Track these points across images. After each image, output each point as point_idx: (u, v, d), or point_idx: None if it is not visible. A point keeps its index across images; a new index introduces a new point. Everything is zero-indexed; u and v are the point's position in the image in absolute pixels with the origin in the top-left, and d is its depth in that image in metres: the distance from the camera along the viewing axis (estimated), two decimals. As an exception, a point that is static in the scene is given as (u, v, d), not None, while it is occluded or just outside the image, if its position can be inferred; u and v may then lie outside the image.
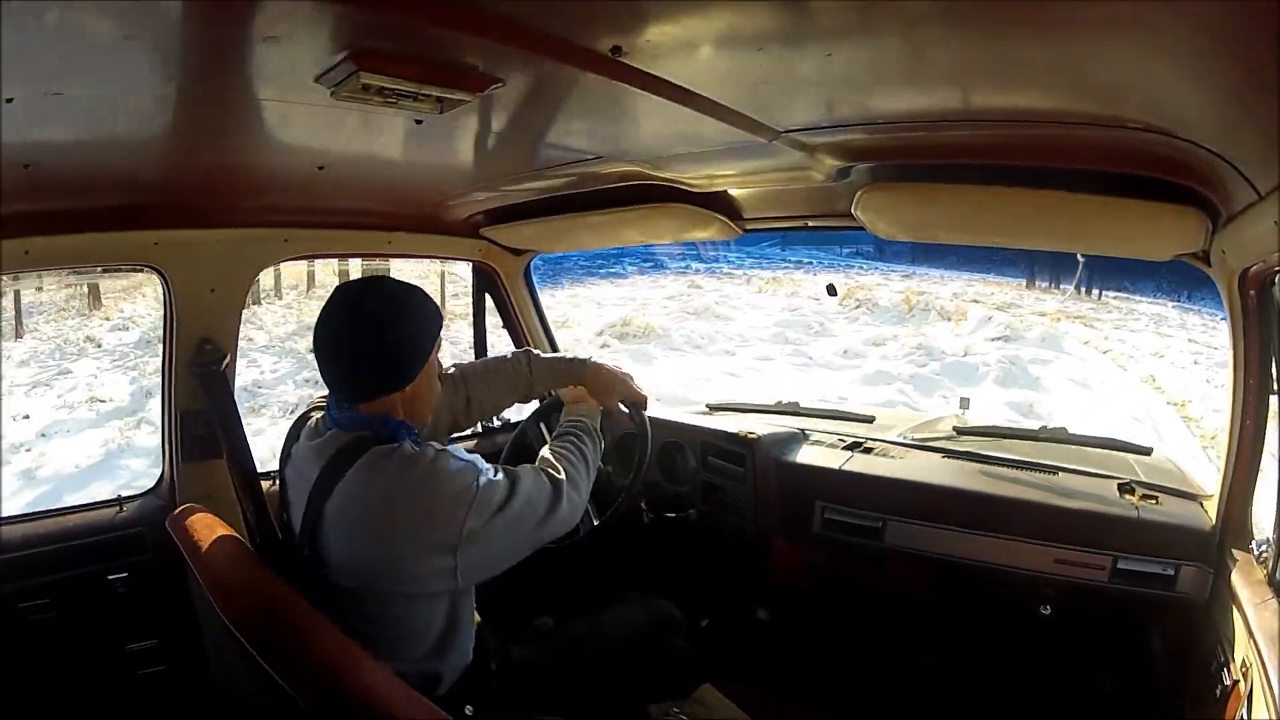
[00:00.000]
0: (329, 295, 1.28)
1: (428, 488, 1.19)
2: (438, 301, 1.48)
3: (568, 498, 1.35)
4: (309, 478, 1.24)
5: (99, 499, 1.83)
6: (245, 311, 1.90)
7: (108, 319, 11.32)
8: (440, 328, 1.33)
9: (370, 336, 1.23)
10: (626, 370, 1.71)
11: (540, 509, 1.30)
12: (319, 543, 1.22)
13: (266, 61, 0.97)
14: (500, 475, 1.28)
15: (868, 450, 2.15)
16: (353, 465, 1.20)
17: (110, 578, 1.73)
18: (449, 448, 1.26)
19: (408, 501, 1.18)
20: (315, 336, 1.25)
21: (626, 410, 1.68)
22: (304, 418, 1.37)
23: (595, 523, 1.75)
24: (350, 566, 1.20)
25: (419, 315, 1.28)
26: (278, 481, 1.40)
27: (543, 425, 1.94)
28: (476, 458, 1.28)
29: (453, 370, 1.64)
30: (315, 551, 1.23)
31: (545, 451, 1.45)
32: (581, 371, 1.68)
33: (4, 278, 1.62)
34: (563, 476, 1.37)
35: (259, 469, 1.80)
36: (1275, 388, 1.45)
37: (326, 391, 1.33)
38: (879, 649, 2.02)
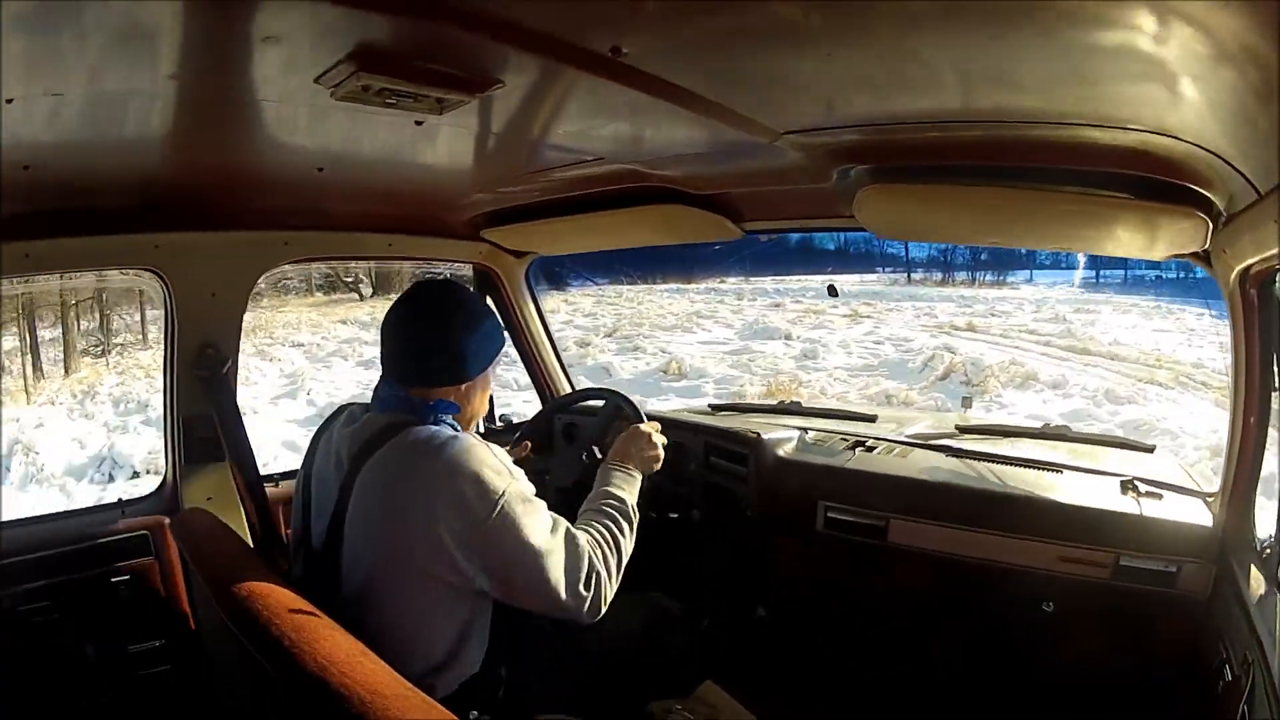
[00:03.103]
0: (408, 288, 1.35)
1: (462, 476, 1.17)
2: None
3: (593, 595, 1.27)
4: (343, 462, 1.26)
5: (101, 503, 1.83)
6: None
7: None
8: (503, 346, 1.40)
9: (443, 328, 1.30)
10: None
11: (565, 581, 1.23)
12: (341, 530, 1.22)
13: (266, 63, 0.97)
14: (543, 506, 1.25)
15: (870, 449, 2.15)
16: (388, 442, 1.22)
17: (113, 580, 1.74)
18: (484, 443, 1.25)
19: (440, 486, 1.17)
20: (389, 317, 1.32)
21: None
22: (338, 412, 1.40)
23: None
24: (370, 554, 1.20)
25: (489, 326, 1.35)
26: (298, 477, 1.40)
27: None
28: (516, 466, 1.26)
29: None
30: (333, 544, 1.23)
31: (581, 525, 1.36)
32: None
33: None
34: (598, 565, 1.29)
35: (260, 472, 1.80)
36: (1276, 386, 1.45)
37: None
38: (882, 647, 2.02)
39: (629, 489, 1.45)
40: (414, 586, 1.19)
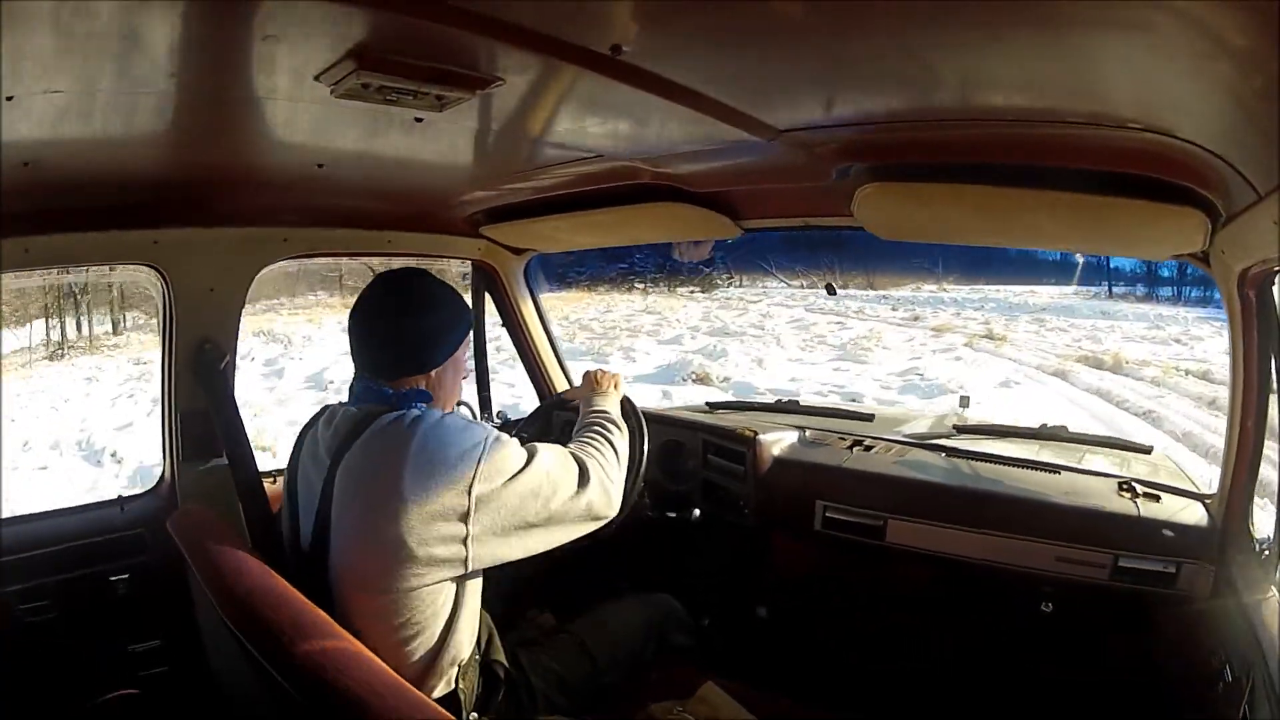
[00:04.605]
0: (370, 280, 1.35)
1: (434, 445, 1.17)
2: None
3: (599, 482, 1.33)
4: (323, 459, 1.26)
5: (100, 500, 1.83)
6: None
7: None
8: (470, 329, 1.40)
9: (405, 316, 1.31)
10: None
11: (564, 486, 1.28)
12: (327, 527, 1.22)
13: (266, 60, 0.96)
14: (515, 443, 1.26)
15: (868, 448, 2.15)
16: (362, 434, 1.22)
17: (111, 579, 1.74)
18: (454, 413, 1.28)
19: (413, 460, 1.16)
20: (353, 312, 1.33)
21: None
22: (320, 413, 1.39)
23: (612, 527, 1.75)
24: (356, 545, 1.19)
25: (453, 309, 1.36)
26: (284, 479, 1.40)
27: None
28: (487, 425, 1.28)
29: None
30: (320, 542, 1.23)
31: (571, 445, 1.42)
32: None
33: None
34: (590, 458, 1.36)
35: (259, 469, 1.80)
36: (1275, 387, 1.45)
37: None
38: (880, 647, 2.02)
39: (606, 402, 1.60)
40: (402, 572, 1.17)
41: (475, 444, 1.20)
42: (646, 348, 15.32)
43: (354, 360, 1.33)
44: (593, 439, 1.45)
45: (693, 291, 28.76)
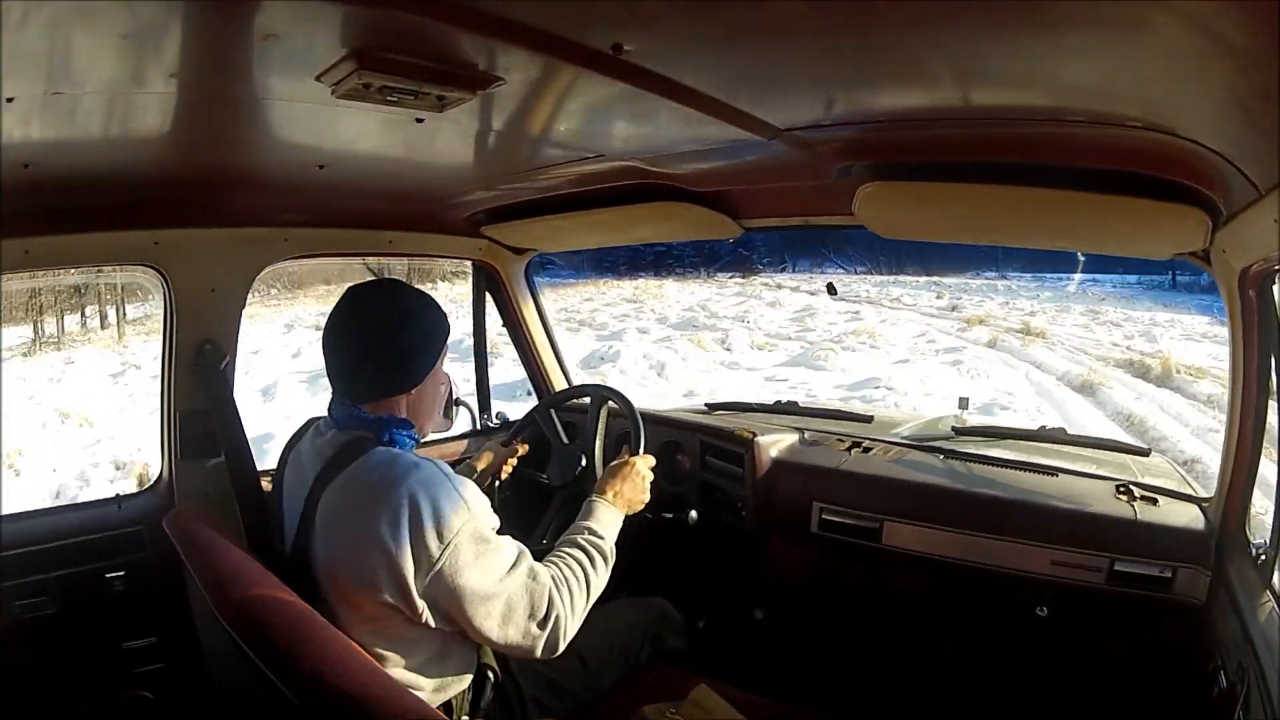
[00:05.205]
0: (341, 295, 1.28)
1: (417, 506, 1.12)
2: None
3: (554, 629, 1.23)
4: (307, 478, 1.23)
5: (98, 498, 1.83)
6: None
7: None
8: (447, 337, 1.33)
9: (379, 336, 1.24)
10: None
11: (520, 614, 1.20)
12: (310, 543, 1.21)
13: (267, 60, 0.97)
14: (499, 534, 1.21)
15: (866, 450, 2.15)
16: (350, 464, 1.19)
17: (108, 576, 1.73)
18: (455, 474, 1.21)
19: (393, 514, 1.12)
20: (325, 333, 1.26)
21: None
22: (306, 425, 1.37)
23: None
24: (338, 572, 1.17)
25: (429, 321, 1.29)
26: (272, 484, 1.39)
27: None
28: (482, 497, 1.21)
29: None
30: (305, 553, 1.22)
31: (553, 558, 1.33)
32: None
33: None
34: (562, 604, 1.24)
35: (257, 469, 1.80)
36: (1274, 388, 1.45)
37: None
38: (876, 650, 2.02)
39: (609, 526, 1.42)
40: (381, 610, 1.16)
41: (458, 525, 1.15)
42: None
43: (330, 383, 1.28)
44: (576, 574, 1.31)
45: (731, 277, 28.45)
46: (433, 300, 1.31)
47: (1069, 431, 2.20)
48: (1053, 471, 1.92)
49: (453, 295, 8.76)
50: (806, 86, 1.13)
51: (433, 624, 1.17)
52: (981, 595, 1.85)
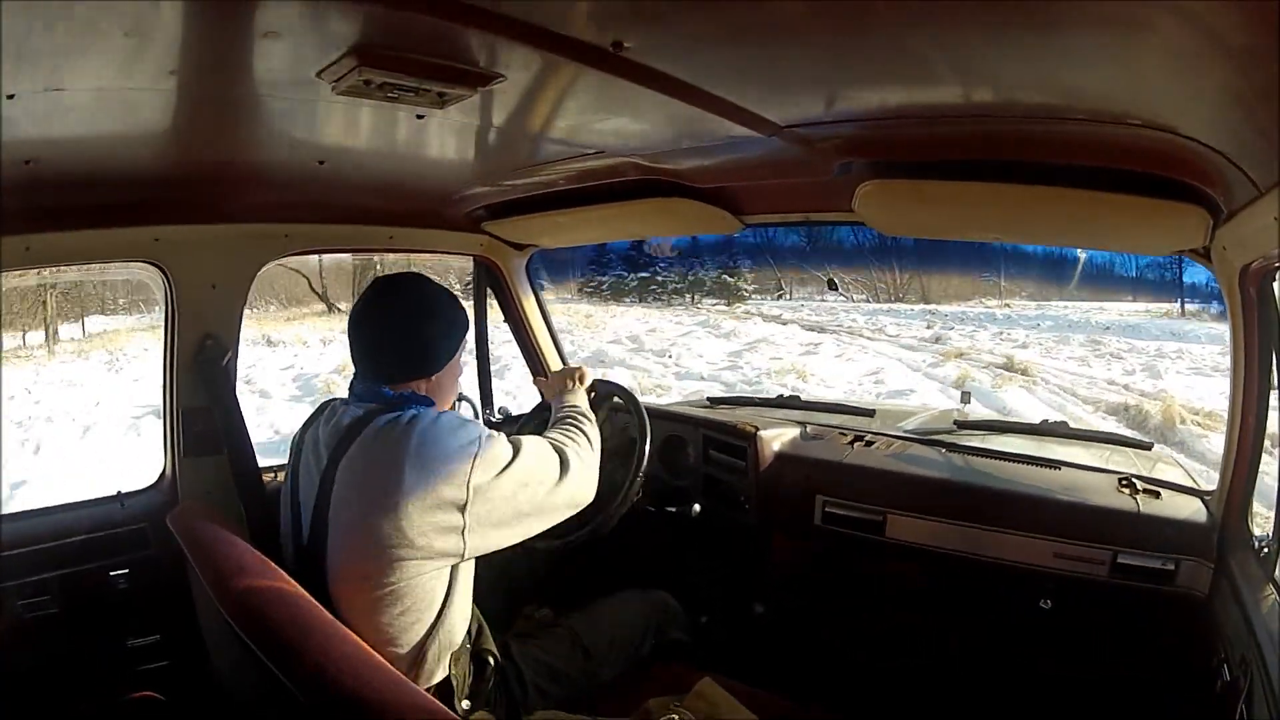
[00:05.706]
0: (369, 284, 1.39)
1: (431, 442, 1.22)
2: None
3: (575, 469, 1.39)
4: (322, 456, 1.28)
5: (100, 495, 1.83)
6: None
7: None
8: (466, 332, 1.43)
9: (405, 322, 1.34)
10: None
11: (549, 475, 1.35)
12: (325, 522, 1.25)
13: (267, 57, 0.97)
14: (504, 438, 1.32)
15: (869, 443, 2.15)
16: (361, 433, 1.26)
17: (111, 574, 1.74)
18: (450, 411, 1.33)
19: (412, 457, 1.20)
20: (353, 315, 1.36)
21: (596, 392, 1.81)
22: (323, 407, 1.42)
23: (612, 522, 1.76)
24: (354, 541, 1.22)
25: (452, 313, 1.39)
26: (286, 472, 1.42)
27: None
28: (478, 422, 1.33)
29: None
30: (319, 536, 1.25)
31: (549, 435, 1.49)
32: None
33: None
34: (567, 447, 1.42)
35: (260, 465, 1.80)
36: (1275, 383, 1.45)
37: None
38: (880, 643, 2.02)
39: (576, 396, 1.68)
40: (399, 565, 1.21)
41: (471, 440, 1.25)
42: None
43: (355, 362, 1.36)
44: (568, 430, 1.51)
45: (715, 304, 27.44)
46: (454, 295, 1.40)
47: (1065, 420, 2.21)
48: (1055, 465, 1.92)
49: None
50: (807, 83, 1.13)
51: (469, 550, 1.26)
52: (984, 588, 1.85)
